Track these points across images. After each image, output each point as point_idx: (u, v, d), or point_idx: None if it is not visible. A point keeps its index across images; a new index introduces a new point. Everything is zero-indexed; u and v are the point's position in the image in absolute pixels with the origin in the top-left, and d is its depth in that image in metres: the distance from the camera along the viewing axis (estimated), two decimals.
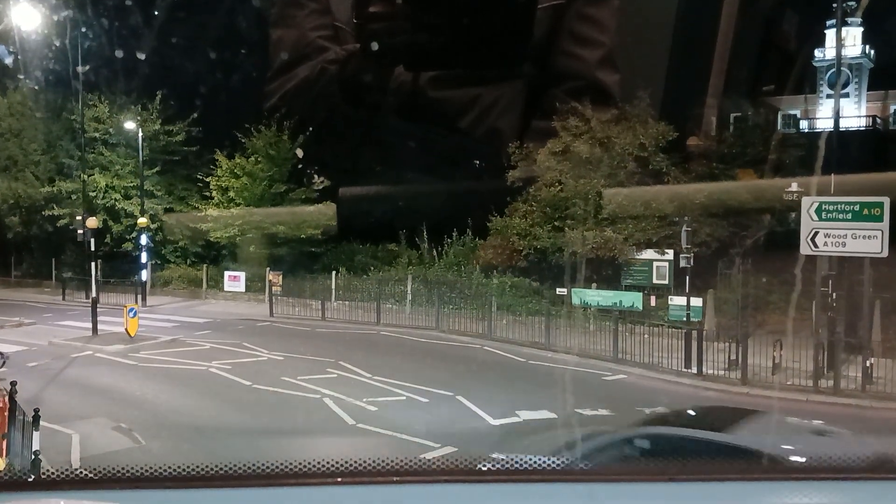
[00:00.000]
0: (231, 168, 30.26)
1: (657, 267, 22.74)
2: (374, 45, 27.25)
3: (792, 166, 24.16)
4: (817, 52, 57.76)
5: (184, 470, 2.55)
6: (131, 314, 20.80)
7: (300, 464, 2.53)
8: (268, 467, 2.52)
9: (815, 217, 15.05)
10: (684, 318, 18.40)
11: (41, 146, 34.99)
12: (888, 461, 2.94)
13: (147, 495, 2.45)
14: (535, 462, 2.85)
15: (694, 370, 16.58)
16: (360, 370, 16.70)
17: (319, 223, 29.40)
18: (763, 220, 22.03)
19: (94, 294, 22.04)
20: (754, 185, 23.06)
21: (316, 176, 29.96)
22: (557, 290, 23.17)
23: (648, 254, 22.93)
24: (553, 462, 3.03)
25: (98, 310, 23.89)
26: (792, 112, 52.05)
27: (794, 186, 18.91)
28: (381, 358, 18.49)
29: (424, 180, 29.46)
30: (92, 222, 21.83)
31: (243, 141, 30.51)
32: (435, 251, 28.35)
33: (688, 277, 17.83)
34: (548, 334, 20.11)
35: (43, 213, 33.71)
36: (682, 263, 17.81)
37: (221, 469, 2.53)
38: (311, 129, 30.26)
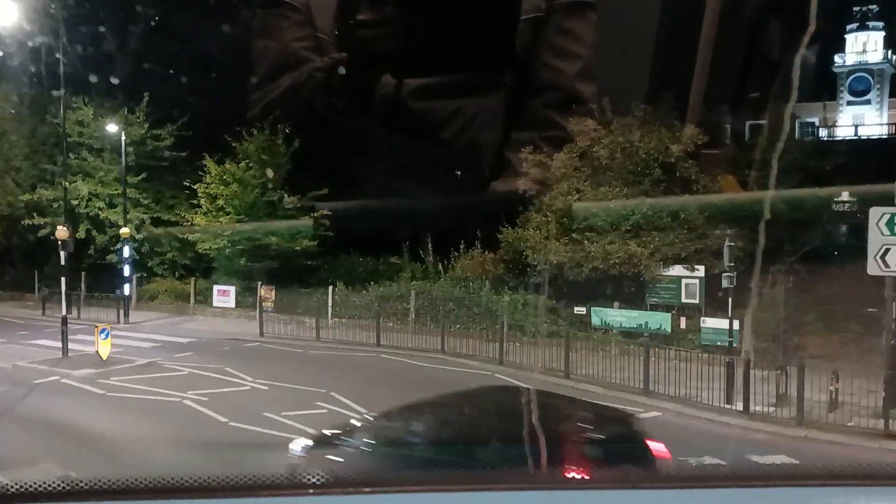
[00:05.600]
0: (220, 174, 28.05)
1: (686, 284, 20.48)
2: (358, 55, 28.99)
3: (829, 175, 22.13)
4: (837, 58, 55.81)
5: (159, 482, 2.42)
6: (103, 335, 18.71)
7: (272, 476, 2.50)
8: (240, 479, 2.47)
9: (887, 231, 12.85)
10: (723, 343, 16.27)
11: (23, 151, 33.04)
12: (881, 469, 2.72)
13: None
14: (513, 470, 3.01)
15: (739, 406, 14.39)
16: (354, 404, 14.51)
17: (315, 234, 27.55)
18: (805, 233, 19.82)
19: (63, 311, 19.94)
20: (792, 194, 20.88)
21: (286, 196, 28.07)
22: (575, 308, 21.01)
23: (677, 270, 20.69)
24: (528, 470, 2.99)
25: (77, 327, 22.06)
26: (810, 120, 49.90)
27: (845, 195, 16.75)
28: (380, 388, 16.29)
29: (418, 191, 28.29)
30: (62, 232, 19.72)
31: (234, 145, 28.39)
32: (441, 264, 26.32)
33: (730, 299, 15.62)
34: (567, 360, 17.94)
35: (23, 222, 31.74)
36: (725, 283, 15.58)
37: (193, 480, 2.45)
38: (297, 139, 28.89)
